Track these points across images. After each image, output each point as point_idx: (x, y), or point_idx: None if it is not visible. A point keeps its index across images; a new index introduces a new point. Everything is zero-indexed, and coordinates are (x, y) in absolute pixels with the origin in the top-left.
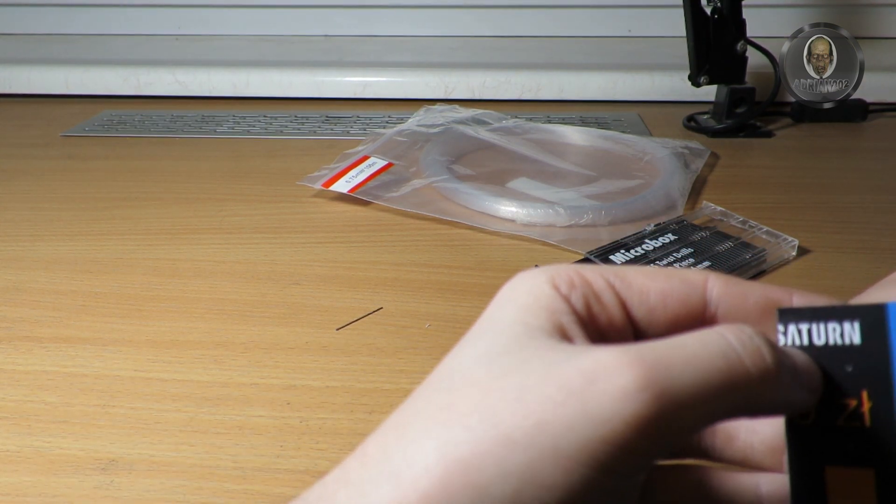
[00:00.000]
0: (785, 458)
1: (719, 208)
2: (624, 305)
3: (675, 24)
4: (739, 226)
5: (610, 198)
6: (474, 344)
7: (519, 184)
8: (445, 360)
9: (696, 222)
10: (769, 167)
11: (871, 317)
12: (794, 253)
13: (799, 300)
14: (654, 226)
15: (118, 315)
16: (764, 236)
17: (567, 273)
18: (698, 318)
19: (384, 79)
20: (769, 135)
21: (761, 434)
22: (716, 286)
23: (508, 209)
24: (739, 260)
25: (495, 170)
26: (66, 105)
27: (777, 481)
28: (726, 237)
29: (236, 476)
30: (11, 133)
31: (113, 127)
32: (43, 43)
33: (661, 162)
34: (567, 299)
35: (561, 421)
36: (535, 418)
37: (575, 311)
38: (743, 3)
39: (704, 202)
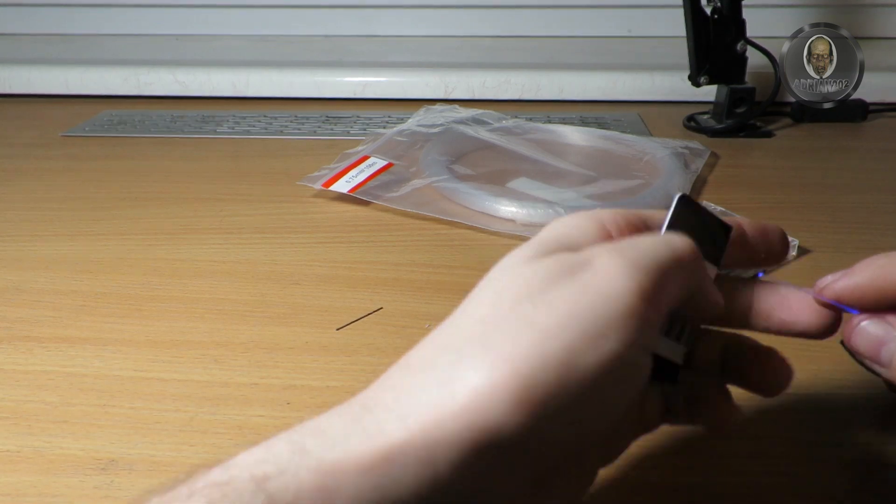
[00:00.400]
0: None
1: (719, 208)
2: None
3: (675, 24)
4: None
5: (610, 198)
6: (502, 263)
7: (519, 184)
8: (482, 281)
9: None
10: (769, 167)
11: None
12: (794, 253)
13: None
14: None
15: (118, 315)
16: None
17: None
18: None
19: (384, 79)
20: (769, 135)
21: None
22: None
23: (508, 209)
24: None
25: (495, 170)
26: (66, 105)
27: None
28: None
29: None
30: (11, 133)
31: (113, 127)
32: (43, 43)
33: (661, 162)
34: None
35: (584, 309)
36: (561, 314)
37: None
38: (743, 3)
39: (704, 202)
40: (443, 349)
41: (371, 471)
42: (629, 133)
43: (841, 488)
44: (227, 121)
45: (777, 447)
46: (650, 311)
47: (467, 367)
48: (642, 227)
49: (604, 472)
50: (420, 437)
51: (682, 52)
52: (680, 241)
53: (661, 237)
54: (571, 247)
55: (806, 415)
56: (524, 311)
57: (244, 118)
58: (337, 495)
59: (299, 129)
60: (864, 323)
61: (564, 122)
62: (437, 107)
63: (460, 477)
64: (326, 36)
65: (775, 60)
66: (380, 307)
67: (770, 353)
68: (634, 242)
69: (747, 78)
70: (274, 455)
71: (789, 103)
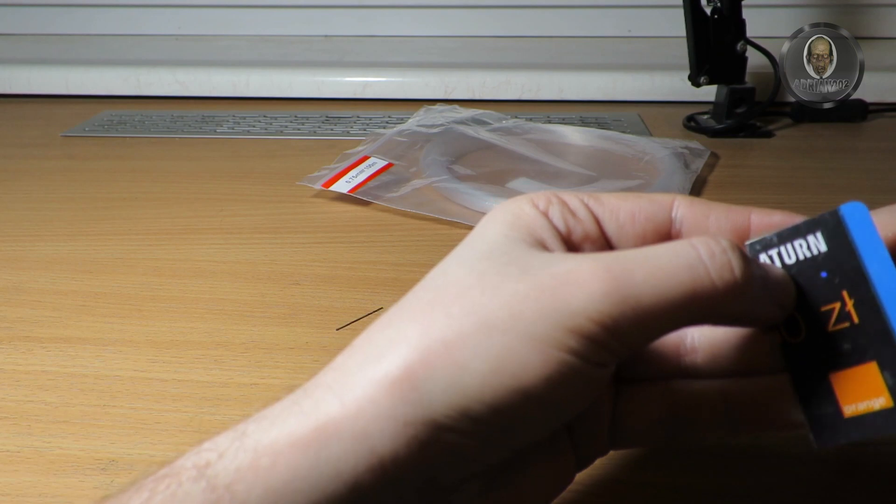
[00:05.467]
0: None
1: None
2: (598, 221)
3: (675, 24)
4: None
5: None
6: (458, 254)
7: (519, 184)
8: (432, 271)
9: None
10: (769, 167)
11: (830, 222)
12: None
13: (757, 217)
14: None
15: (118, 315)
16: None
17: (545, 194)
18: (665, 234)
19: (384, 79)
20: (769, 135)
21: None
22: (681, 206)
23: None
24: None
25: (495, 170)
26: (66, 105)
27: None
28: None
29: None
30: (11, 133)
31: (113, 127)
32: (43, 43)
33: (661, 162)
34: (545, 214)
35: (533, 311)
36: (510, 309)
37: (554, 226)
38: (743, 3)
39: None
40: (384, 326)
41: (306, 447)
42: (629, 133)
43: (843, 487)
44: (227, 121)
45: (777, 446)
46: (607, 337)
47: (403, 344)
48: (584, 205)
49: (604, 472)
50: (354, 412)
51: (682, 52)
52: (702, 267)
53: (684, 260)
54: (529, 240)
55: None
56: (471, 298)
57: (244, 118)
58: (273, 473)
59: (299, 129)
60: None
61: (564, 122)
62: (437, 107)
63: (401, 460)
64: (326, 36)
65: (775, 60)
66: (380, 307)
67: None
68: (634, 261)
69: (747, 78)
70: (216, 443)
71: (789, 103)
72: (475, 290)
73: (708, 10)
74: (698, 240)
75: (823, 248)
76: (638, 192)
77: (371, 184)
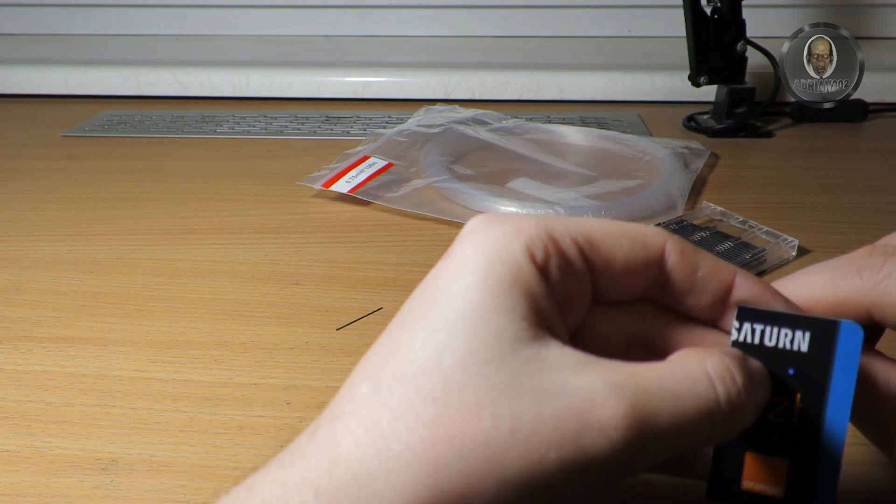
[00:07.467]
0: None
1: (719, 208)
2: (591, 269)
3: (675, 24)
4: (739, 226)
5: (610, 198)
6: (452, 330)
7: (519, 184)
8: (413, 331)
9: (696, 222)
10: (769, 167)
11: (822, 330)
12: (794, 253)
13: (740, 281)
14: (654, 226)
15: (118, 315)
16: (764, 236)
17: (540, 237)
18: (655, 277)
19: (384, 79)
20: (769, 135)
21: None
22: (672, 253)
23: (508, 209)
24: (739, 260)
25: (495, 170)
26: (66, 105)
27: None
28: (726, 237)
29: (236, 476)
30: (11, 133)
31: (113, 127)
32: (43, 43)
33: (661, 162)
34: (544, 273)
35: (555, 464)
36: (529, 458)
37: (551, 290)
38: (743, 3)
39: (704, 202)
40: (379, 448)
41: None
42: (629, 133)
43: (844, 488)
44: (227, 121)
45: None
46: (620, 466)
47: (409, 492)
48: (580, 253)
49: None
50: None
51: (682, 52)
52: (714, 398)
53: (696, 386)
54: (533, 320)
55: None
56: (485, 436)
57: (244, 118)
58: None
59: (299, 129)
60: None
61: (564, 122)
62: (437, 107)
63: None
64: (326, 36)
65: (775, 60)
66: (380, 307)
67: None
68: (652, 385)
69: (747, 78)
70: None
71: (789, 103)
72: (487, 423)
73: (708, 10)
74: (710, 362)
75: (805, 348)
76: (628, 228)
77: (371, 184)
